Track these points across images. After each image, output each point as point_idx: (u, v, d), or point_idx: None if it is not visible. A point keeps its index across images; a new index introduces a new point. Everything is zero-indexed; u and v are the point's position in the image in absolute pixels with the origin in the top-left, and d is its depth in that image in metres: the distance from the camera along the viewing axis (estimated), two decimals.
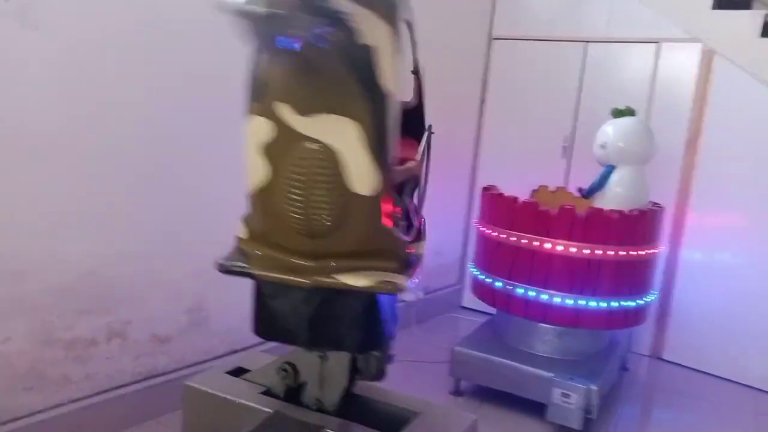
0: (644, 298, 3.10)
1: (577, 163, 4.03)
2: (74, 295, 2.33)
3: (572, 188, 3.47)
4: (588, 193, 3.17)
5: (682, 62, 3.71)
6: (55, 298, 2.28)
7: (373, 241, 1.67)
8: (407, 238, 1.78)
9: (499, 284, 3.08)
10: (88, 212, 2.34)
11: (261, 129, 1.57)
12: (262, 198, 1.64)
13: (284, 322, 1.79)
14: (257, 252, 1.73)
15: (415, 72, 2.02)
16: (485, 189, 3.28)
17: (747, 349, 3.63)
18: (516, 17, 4.27)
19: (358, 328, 1.77)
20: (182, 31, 2.53)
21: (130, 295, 2.51)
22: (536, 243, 2.94)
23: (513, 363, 3.00)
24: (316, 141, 1.55)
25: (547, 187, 3.55)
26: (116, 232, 2.43)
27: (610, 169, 3.09)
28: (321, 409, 1.91)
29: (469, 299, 4.19)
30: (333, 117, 1.52)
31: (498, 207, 3.10)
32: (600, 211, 2.92)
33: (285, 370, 1.93)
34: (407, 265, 1.74)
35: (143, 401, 2.58)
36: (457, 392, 3.21)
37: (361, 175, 1.55)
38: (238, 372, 2.10)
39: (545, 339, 3.12)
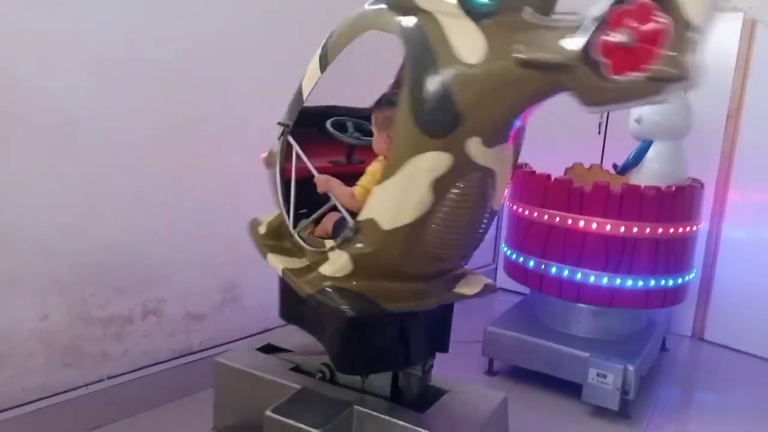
0: (683, 277, 3.01)
1: (614, 140, 3.93)
2: (108, 274, 2.38)
3: (608, 165, 3.38)
4: (623, 170, 3.09)
5: (722, 32, 3.56)
6: (89, 277, 2.33)
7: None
8: None
9: (532, 263, 3.03)
10: (118, 191, 2.38)
11: (439, 164, 1.49)
12: (411, 230, 1.58)
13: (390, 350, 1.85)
14: (378, 286, 1.69)
15: None
16: (517, 167, 3.22)
17: None
18: None
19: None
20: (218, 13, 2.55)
21: (163, 274, 2.56)
22: (570, 221, 2.88)
23: (547, 343, 2.96)
24: (486, 169, 1.54)
25: (582, 164, 3.47)
26: (147, 211, 2.47)
27: (646, 145, 3.00)
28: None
29: (504, 279, 4.12)
30: (506, 145, 1.56)
31: (531, 185, 3.05)
32: (636, 187, 2.84)
33: (322, 372, 1.97)
34: None
35: (179, 378, 2.63)
36: (490, 372, 3.18)
37: (502, 193, 1.67)
38: (268, 349, 2.12)
39: (581, 319, 3.07)
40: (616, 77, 1.18)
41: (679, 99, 3.07)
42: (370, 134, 1.86)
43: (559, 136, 4.09)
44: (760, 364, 3.56)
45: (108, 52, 2.27)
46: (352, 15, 1.73)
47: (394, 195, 1.54)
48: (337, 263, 1.67)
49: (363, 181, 1.72)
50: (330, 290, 1.65)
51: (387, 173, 1.54)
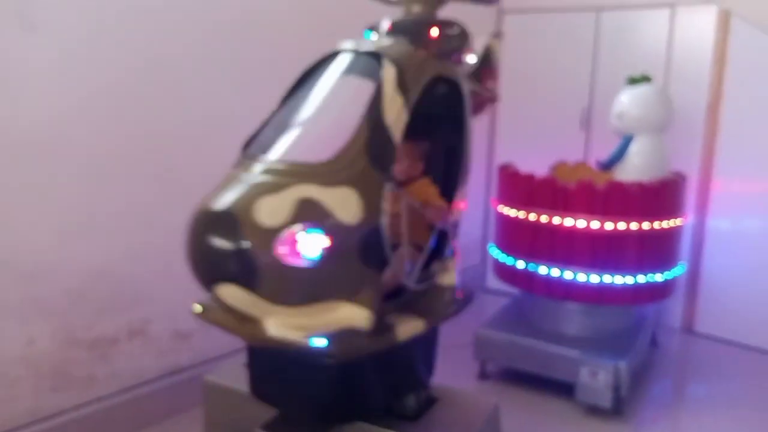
0: (671, 271, 3.03)
1: (598, 136, 3.94)
2: (91, 295, 2.36)
3: (592, 162, 3.40)
4: (607, 166, 3.10)
5: (698, 25, 3.59)
6: (72, 299, 2.30)
7: None
8: None
9: (520, 264, 3.04)
10: (98, 212, 2.35)
11: None
12: None
13: None
14: None
15: None
16: (502, 168, 3.23)
17: None
18: None
19: None
20: (187, 25, 2.53)
21: (147, 293, 2.53)
22: (556, 220, 2.89)
23: (538, 343, 2.96)
24: None
25: (566, 162, 3.47)
26: (127, 230, 2.43)
27: (628, 140, 3.02)
28: None
29: (493, 280, 4.13)
30: None
31: (516, 185, 3.05)
32: (619, 184, 2.85)
33: None
34: None
35: (169, 397, 2.60)
36: (483, 375, 3.18)
37: None
38: None
39: (571, 317, 3.07)
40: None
41: (657, 93, 3.09)
42: None
43: (542, 134, 4.13)
44: (750, 354, 3.58)
45: (86, 72, 2.25)
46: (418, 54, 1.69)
47: None
48: (453, 272, 1.87)
49: (439, 199, 1.89)
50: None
51: None
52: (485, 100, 2.06)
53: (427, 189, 1.90)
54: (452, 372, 3.12)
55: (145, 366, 2.56)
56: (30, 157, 2.15)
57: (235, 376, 2.00)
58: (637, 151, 3.00)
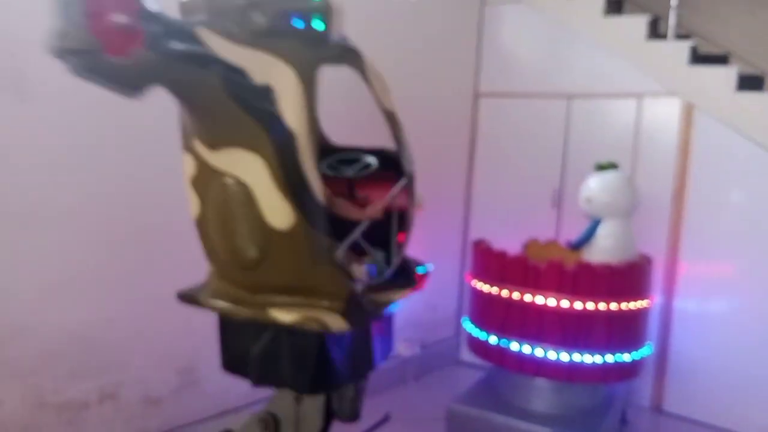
0: (638, 351, 3.10)
1: (568, 214, 4.08)
2: (64, 359, 2.36)
3: (563, 240, 3.50)
4: (576, 246, 3.21)
5: (663, 115, 3.80)
6: (45, 362, 2.30)
7: (308, 277, 1.71)
8: (363, 280, 1.84)
9: (492, 339, 3.09)
10: (75, 278, 2.39)
11: (188, 164, 1.70)
12: (200, 230, 1.78)
13: (241, 357, 1.88)
14: (211, 282, 1.87)
15: (389, 116, 1.98)
16: (476, 243, 3.32)
17: (746, 398, 3.59)
18: (500, 74, 4.39)
19: (305, 368, 1.79)
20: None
21: (120, 358, 2.53)
22: (528, 297, 2.97)
23: (509, 420, 2.98)
24: (231, 175, 1.61)
25: (537, 239, 3.58)
26: (103, 296, 2.46)
27: (596, 222, 3.14)
28: None
29: (468, 352, 4.16)
30: (239, 151, 1.57)
31: (488, 261, 3.14)
32: (588, 265, 2.95)
33: (264, 421, 1.96)
34: (355, 306, 1.78)
35: None
36: None
37: (274, 209, 1.59)
38: None
39: (542, 394, 3.11)
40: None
41: (623, 180, 3.22)
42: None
43: (515, 211, 4.26)
44: None
45: (72, 141, 2.33)
46: None
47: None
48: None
49: None
50: None
51: None
52: None
53: None
54: None
55: (113, 431, 2.53)
56: (10, 221, 2.19)
57: None
58: (605, 233, 3.12)
